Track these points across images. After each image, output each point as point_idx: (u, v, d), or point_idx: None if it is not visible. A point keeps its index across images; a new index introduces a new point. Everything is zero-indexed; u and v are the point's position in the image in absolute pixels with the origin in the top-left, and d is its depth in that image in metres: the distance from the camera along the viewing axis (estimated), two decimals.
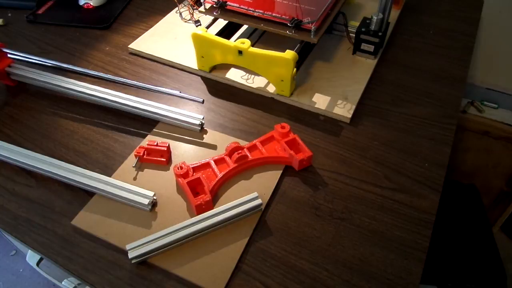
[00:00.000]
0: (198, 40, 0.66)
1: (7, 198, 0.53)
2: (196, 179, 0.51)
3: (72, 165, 0.54)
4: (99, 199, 0.52)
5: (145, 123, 0.62)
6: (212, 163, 0.54)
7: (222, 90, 0.69)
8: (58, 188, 0.54)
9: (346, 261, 0.47)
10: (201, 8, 0.68)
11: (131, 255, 0.45)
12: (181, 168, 0.52)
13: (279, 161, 0.56)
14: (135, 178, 0.54)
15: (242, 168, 0.55)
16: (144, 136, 0.60)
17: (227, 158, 0.55)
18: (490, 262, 0.92)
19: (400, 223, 0.50)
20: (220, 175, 0.53)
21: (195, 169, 0.53)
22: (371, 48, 0.71)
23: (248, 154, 0.55)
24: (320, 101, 0.64)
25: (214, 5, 0.67)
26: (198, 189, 0.52)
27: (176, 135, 0.60)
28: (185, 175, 0.52)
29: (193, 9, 0.81)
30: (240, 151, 0.54)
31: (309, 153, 0.55)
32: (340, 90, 0.66)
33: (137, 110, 0.62)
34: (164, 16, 0.83)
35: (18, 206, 0.52)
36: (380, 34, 0.68)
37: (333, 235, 0.49)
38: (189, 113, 0.61)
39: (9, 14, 0.85)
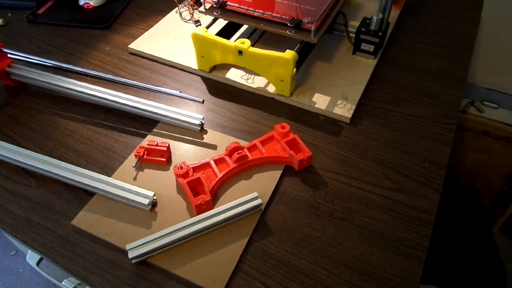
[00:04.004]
0: (198, 40, 0.66)
1: (7, 198, 0.53)
2: (196, 179, 0.51)
3: (72, 165, 0.54)
4: (99, 199, 0.52)
5: (145, 123, 0.62)
6: (212, 163, 0.54)
7: (222, 90, 0.69)
8: (58, 188, 0.54)
9: (346, 261, 0.47)
10: (201, 8, 0.68)
11: (131, 255, 0.45)
12: (181, 168, 0.52)
13: (279, 161, 0.56)
14: (135, 178, 0.54)
15: (242, 168, 0.55)
16: (144, 136, 0.60)
17: (227, 158, 0.55)
18: (490, 262, 0.92)
19: (400, 223, 0.50)
20: (220, 175, 0.53)
21: (195, 169, 0.53)
22: (371, 48, 0.71)
23: (248, 154, 0.55)
24: (320, 101, 0.64)
25: (214, 5, 0.67)
26: (198, 189, 0.52)
27: (176, 135, 0.60)
28: (185, 175, 0.52)
29: (193, 9, 0.81)
30: (240, 151, 0.54)
31: (309, 153, 0.55)
32: (340, 90, 0.66)
33: (137, 110, 0.62)
34: (164, 16, 0.83)
35: (18, 206, 0.52)
36: (380, 34, 0.68)
37: (333, 235, 0.49)
38: (189, 113, 0.61)
39: (9, 14, 0.85)
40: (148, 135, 0.60)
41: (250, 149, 0.56)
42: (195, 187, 0.52)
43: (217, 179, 0.52)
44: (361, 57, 0.73)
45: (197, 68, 0.71)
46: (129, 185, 0.51)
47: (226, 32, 0.71)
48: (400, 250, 0.47)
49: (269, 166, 0.56)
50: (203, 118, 0.60)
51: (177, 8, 0.84)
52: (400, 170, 0.56)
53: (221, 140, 0.59)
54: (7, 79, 0.67)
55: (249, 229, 0.49)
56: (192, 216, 0.50)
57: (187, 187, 0.50)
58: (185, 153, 0.58)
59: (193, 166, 0.53)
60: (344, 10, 0.72)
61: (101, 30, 0.81)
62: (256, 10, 0.65)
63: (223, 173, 0.53)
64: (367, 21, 0.70)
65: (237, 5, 0.66)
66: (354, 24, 0.73)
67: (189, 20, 0.81)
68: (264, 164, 0.56)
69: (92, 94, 0.63)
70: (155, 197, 0.51)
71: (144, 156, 0.55)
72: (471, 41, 0.78)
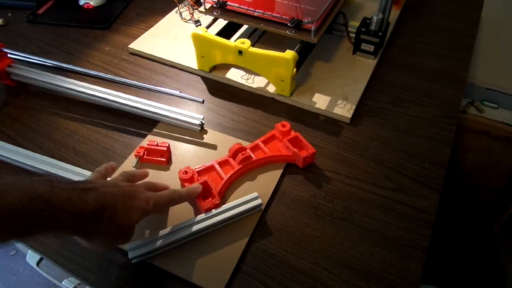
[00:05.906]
0: (198, 40, 0.66)
1: None
2: (203, 183, 0.50)
3: (72, 165, 0.54)
4: None
5: (145, 123, 0.62)
6: (217, 165, 0.53)
7: (222, 90, 0.68)
8: None
9: (346, 261, 0.47)
10: (201, 8, 0.68)
11: (131, 255, 0.45)
12: (186, 173, 0.52)
13: (283, 160, 0.56)
14: None
15: (247, 169, 0.54)
16: (144, 136, 0.60)
17: (231, 160, 0.54)
18: (490, 262, 0.92)
19: (400, 223, 0.50)
20: (226, 177, 0.52)
21: (200, 172, 0.53)
22: (371, 48, 0.70)
23: (252, 155, 0.54)
24: (320, 101, 0.64)
25: (214, 5, 0.67)
26: (205, 193, 0.51)
27: (176, 135, 0.60)
28: (190, 180, 0.51)
29: (193, 9, 0.81)
30: (243, 152, 0.54)
31: (313, 150, 0.54)
32: (340, 90, 0.66)
33: (137, 110, 0.62)
34: (164, 16, 0.83)
35: None
36: (380, 34, 0.68)
37: (333, 235, 0.49)
38: (189, 113, 0.61)
39: (9, 14, 0.85)
40: (148, 135, 0.60)
41: (253, 149, 0.56)
42: (203, 190, 0.51)
43: (223, 181, 0.52)
44: (361, 57, 0.73)
45: (197, 68, 0.71)
46: None
47: (226, 32, 0.71)
48: (400, 250, 0.47)
49: (269, 166, 0.56)
50: (203, 118, 0.60)
51: (177, 8, 0.84)
52: (400, 170, 0.56)
53: (221, 140, 0.59)
54: (7, 79, 0.67)
55: (249, 229, 0.49)
56: (192, 216, 0.50)
57: None
58: (185, 153, 0.58)
59: (197, 170, 0.53)
60: (344, 10, 0.72)
61: (101, 30, 0.81)
62: (256, 10, 0.65)
63: (228, 175, 0.52)
64: (367, 21, 0.70)
65: (237, 5, 0.66)
66: (354, 24, 0.73)
67: (189, 20, 0.81)
68: (267, 163, 0.56)
69: (92, 94, 0.63)
70: None
71: (144, 156, 0.55)
72: (471, 41, 0.78)
